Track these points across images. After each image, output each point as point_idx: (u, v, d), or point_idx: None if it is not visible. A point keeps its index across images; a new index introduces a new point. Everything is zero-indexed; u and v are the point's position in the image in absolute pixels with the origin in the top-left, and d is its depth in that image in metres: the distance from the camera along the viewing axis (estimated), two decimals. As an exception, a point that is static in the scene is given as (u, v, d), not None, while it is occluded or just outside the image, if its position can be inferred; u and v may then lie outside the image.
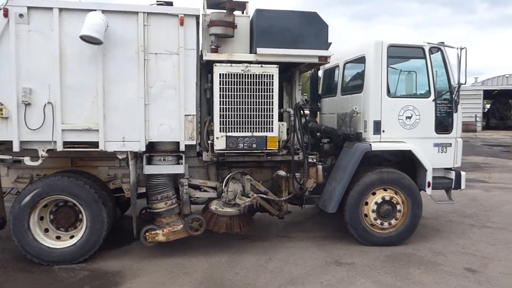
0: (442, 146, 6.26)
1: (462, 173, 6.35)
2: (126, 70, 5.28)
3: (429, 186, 6.09)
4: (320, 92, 8.07)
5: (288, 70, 6.31)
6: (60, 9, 5.08)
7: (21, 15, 5.00)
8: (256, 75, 5.44)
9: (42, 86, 5.13)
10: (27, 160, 5.25)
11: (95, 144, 5.29)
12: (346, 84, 6.98)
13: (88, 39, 4.90)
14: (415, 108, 6.11)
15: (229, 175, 5.86)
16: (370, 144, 5.95)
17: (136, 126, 5.33)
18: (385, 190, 6.02)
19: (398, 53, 6.26)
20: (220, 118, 5.41)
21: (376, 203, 5.95)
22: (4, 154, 5.28)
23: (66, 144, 5.25)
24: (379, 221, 5.98)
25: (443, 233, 6.70)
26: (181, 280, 4.85)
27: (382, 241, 6.02)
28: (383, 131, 6.06)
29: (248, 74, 5.42)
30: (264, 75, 5.46)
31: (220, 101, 5.40)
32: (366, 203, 6.00)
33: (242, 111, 5.44)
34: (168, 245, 5.71)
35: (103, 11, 5.13)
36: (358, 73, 6.51)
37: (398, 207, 5.99)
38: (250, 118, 5.47)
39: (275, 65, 5.49)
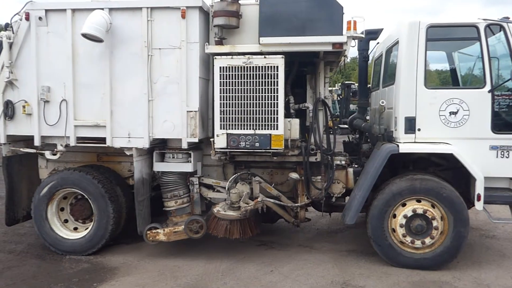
0: (503, 149, 4.93)
1: (532, 185, 4.92)
2: (132, 66, 5.31)
3: (479, 199, 4.83)
4: (370, 84, 7.12)
5: (311, 62, 5.66)
6: (73, 10, 5.32)
7: (40, 18, 5.36)
8: (258, 67, 4.96)
9: (58, 84, 5.44)
10: (47, 154, 5.62)
11: (104, 140, 5.41)
12: (386, 74, 6.00)
13: (88, 37, 5.02)
14: (463, 102, 4.91)
15: (233, 176, 5.47)
16: (398, 145, 4.97)
17: (141, 122, 5.31)
18: (418, 201, 4.97)
19: (443, 35, 5.13)
20: (220, 114, 5.07)
21: (405, 216, 4.94)
22: (28, 148, 5.71)
23: (79, 139, 5.48)
24: (409, 239, 4.95)
25: (507, 260, 5.29)
26: (164, 283, 4.65)
27: (413, 263, 4.97)
28: (419, 130, 5.01)
29: (250, 67, 4.97)
30: (268, 67, 4.95)
31: (220, 96, 5.05)
32: (395, 216, 5.03)
33: (244, 107, 5.02)
34: (180, 244, 5.57)
35: (110, 9, 5.23)
36: (394, 61, 5.52)
37: (434, 223, 4.88)
38: (253, 115, 5.01)
39: (280, 56, 4.94)
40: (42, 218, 5.56)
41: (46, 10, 5.37)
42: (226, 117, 5.05)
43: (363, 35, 6.16)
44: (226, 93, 5.03)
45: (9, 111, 5.51)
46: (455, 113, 4.95)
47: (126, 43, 5.28)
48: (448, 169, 5.36)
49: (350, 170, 5.64)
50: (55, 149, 5.52)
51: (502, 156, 4.94)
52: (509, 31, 4.85)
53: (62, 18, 5.34)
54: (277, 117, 4.97)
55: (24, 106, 5.46)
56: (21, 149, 5.73)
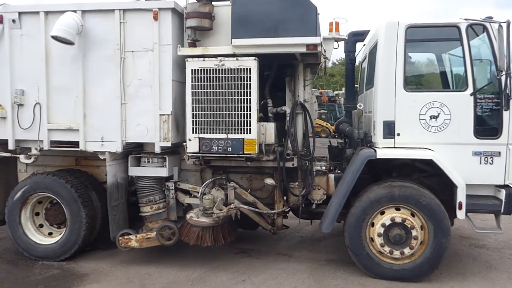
0: (486, 155, 4.68)
1: (518, 193, 4.65)
2: (105, 69, 5.23)
3: (460, 207, 4.59)
4: (358, 87, 6.92)
5: (290, 64, 5.49)
6: (46, 13, 5.26)
7: (13, 21, 5.32)
8: (231, 69, 4.82)
9: (32, 87, 5.38)
10: (22, 158, 5.55)
11: (78, 144, 5.33)
12: (369, 77, 5.79)
13: (59, 39, 4.94)
14: (444, 105, 4.69)
15: (207, 181, 5.34)
16: (375, 151, 4.77)
17: (114, 126, 5.22)
18: (397, 209, 4.75)
19: (423, 36, 4.91)
20: (192, 118, 4.94)
21: (383, 225, 4.72)
22: (3, 151, 5.64)
23: (53, 143, 5.41)
24: (387, 249, 4.73)
25: (493, 272, 5.02)
26: (130, 292, 4.52)
27: (392, 275, 4.74)
28: (398, 135, 4.80)
29: (222, 69, 4.83)
30: (240, 69, 4.81)
31: (192, 99, 4.92)
32: (373, 224, 4.81)
33: (216, 110, 4.88)
34: (157, 250, 5.44)
35: (83, 11, 5.16)
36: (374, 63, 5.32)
37: (414, 232, 4.65)
38: (225, 118, 4.87)
39: (253, 58, 4.79)
40: (16, 222, 5.48)
41: (20, 13, 5.32)
42: (198, 120, 4.92)
43: (345, 37, 6.01)
44: (198, 96, 4.90)
45: (-16, 114, 5.45)
46: (435, 117, 4.72)
47: (99, 46, 5.20)
48: (432, 175, 5.13)
49: (331, 176, 5.45)
50: (29, 153, 5.45)
51: (485, 162, 4.70)
52: (492, 31, 4.61)
53: (36, 20, 5.29)
54: (249, 121, 4.82)
55: (-2, 110, 5.41)
56: (-4, 153, 5.67)
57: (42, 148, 5.40)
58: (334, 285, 4.67)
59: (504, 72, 4.44)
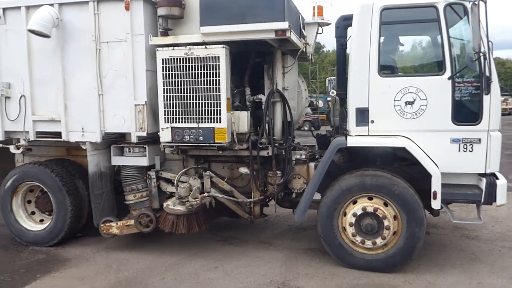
0: (465, 142, 4.44)
1: (500, 181, 4.39)
2: (82, 60, 5.32)
3: (435, 197, 4.40)
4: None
5: (269, 51, 5.37)
6: (27, 7, 5.38)
7: (-1, 17, 5.48)
8: (200, 58, 4.78)
9: (18, 80, 5.56)
10: (12, 148, 5.79)
11: (61, 134, 5.49)
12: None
13: (36, 33, 5.06)
14: (420, 90, 4.46)
15: (182, 170, 5.37)
16: (346, 138, 4.62)
17: (93, 116, 5.33)
18: (370, 199, 4.61)
19: (399, 18, 4.66)
20: (164, 107, 4.96)
21: (354, 214, 4.60)
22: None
23: (38, 134, 5.60)
24: (359, 238, 4.61)
25: (476, 264, 4.79)
26: (104, 277, 4.67)
27: (365, 265, 4.64)
28: (372, 122, 4.63)
29: (191, 58, 4.81)
30: (209, 57, 4.76)
31: (163, 89, 4.94)
32: (345, 214, 4.70)
33: (187, 100, 4.88)
34: (144, 237, 5.59)
35: (60, 5, 5.25)
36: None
37: (386, 222, 4.50)
38: (196, 107, 4.86)
39: (221, 46, 4.73)
40: (8, 210, 5.76)
41: (4, 9, 5.48)
42: (170, 110, 4.94)
43: (329, 21, 5.81)
44: (169, 85, 4.91)
45: (-25, 107, 5.70)
46: (411, 103, 4.51)
47: (76, 38, 5.28)
48: (414, 164, 4.91)
49: (312, 164, 5.34)
50: (17, 144, 5.68)
51: (465, 149, 4.46)
52: (471, 10, 4.29)
53: (18, 15, 5.42)
54: (219, 110, 4.79)
55: (-10, 103, 5.64)
56: (-12, 144, 5.94)
57: (29, 139, 5.61)
58: (304, 274, 4.63)
59: (481, 54, 4.15)
